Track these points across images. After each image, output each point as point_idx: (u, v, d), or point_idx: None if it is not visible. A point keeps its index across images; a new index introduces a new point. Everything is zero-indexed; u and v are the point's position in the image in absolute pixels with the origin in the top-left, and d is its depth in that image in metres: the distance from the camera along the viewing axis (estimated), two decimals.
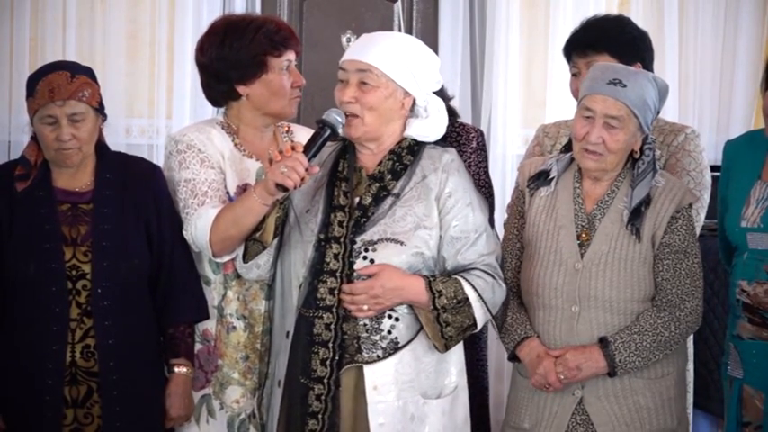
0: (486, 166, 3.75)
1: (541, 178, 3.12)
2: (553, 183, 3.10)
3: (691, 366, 3.48)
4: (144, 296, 3.14)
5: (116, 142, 4.68)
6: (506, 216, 3.51)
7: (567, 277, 3.01)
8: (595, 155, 2.99)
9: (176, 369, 3.14)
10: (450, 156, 2.94)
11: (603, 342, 2.97)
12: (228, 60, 3.17)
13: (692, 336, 3.29)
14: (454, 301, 2.83)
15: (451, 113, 3.70)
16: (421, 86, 2.91)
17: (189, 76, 4.90)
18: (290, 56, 3.21)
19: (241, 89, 3.19)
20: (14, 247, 3.03)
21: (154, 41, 4.97)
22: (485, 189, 3.68)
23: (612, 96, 2.95)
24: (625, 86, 2.95)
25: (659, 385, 3.03)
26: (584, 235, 3.04)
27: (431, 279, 2.84)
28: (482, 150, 3.74)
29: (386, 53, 2.86)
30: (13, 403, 3.04)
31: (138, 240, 3.11)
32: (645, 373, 3.01)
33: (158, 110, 4.98)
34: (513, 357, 3.10)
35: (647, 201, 2.99)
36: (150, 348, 3.16)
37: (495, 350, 5.08)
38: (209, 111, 4.92)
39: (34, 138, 3.11)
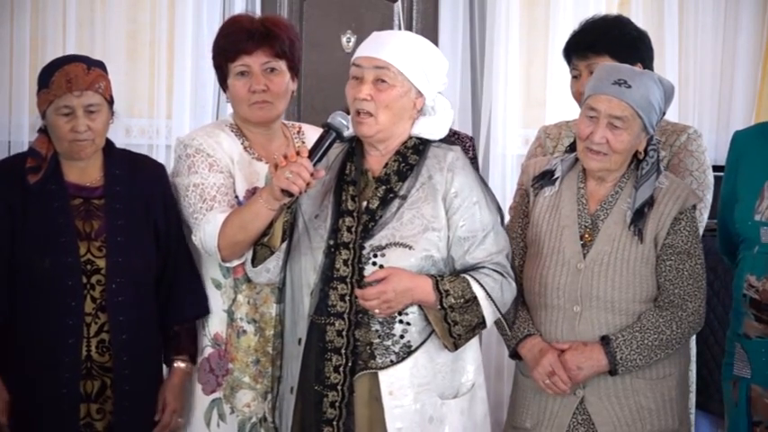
0: (478, 172, 3.80)
1: (546, 178, 3.12)
2: (557, 183, 3.10)
3: (693, 367, 3.47)
4: (151, 292, 3.15)
5: (116, 142, 4.69)
6: (508, 216, 3.52)
7: (570, 277, 3.01)
8: (599, 155, 2.99)
9: (178, 364, 3.16)
10: (454, 154, 2.91)
11: (605, 340, 2.97)
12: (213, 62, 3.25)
13: (694, 336, 3.29)
14: (462, 300, 2.82)
15: None
16: (432, 86, 2.89)
17: (189, 76, 4.91)
18: (248, 60, 3.15)
19: (226, 92, 3.25)
20: (29, 240, 3.03)
21: (154, 41, 4.97)
22: None
23: (617, 97, 2.95)
24: (630, 87, 2.94)
25: (661, 386, 3.03)
26: (586, 235, 3.03)
27: (438, 279, 2.82)
28: (476, 156, 3.79)
29: (402, 51, 2.83)
30: (30, 397, 3.03)
31: (148, 237, 3.12)
32: (646, 374, 3.01)
33: (158, 110, 4.97)
34: (514, 355, 3.10)
35: (650, 202, 2.99)
36: (156, 344, 3.18)
37: (496, 350, 5.09)
38: (209, 111, 4.95)
39: (42, 130, 3.11)
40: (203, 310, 3.18)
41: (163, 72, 4.96)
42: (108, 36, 4.90)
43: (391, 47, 2.84)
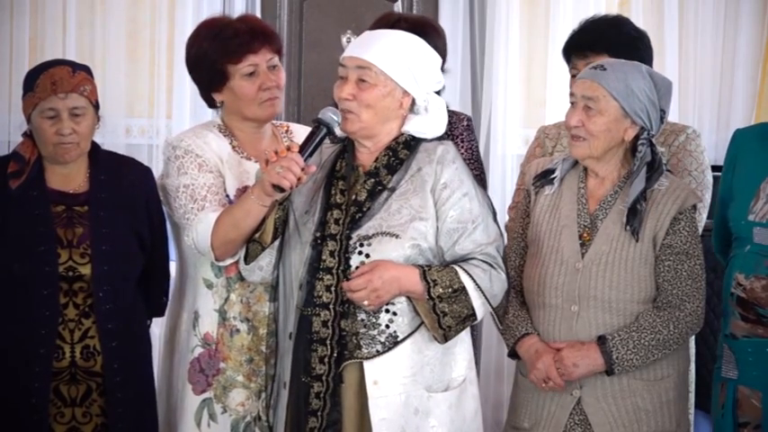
0: (478, 145, 3.82)
1: (546, 177, 3.12)
2: (557, 181, 3.10)
3: (693, 367, 3.47)
4: (136, 295, 3.17)
5: (116, 142, 4.72)
6: (507, 217, 3.52)
7: (568, 277, 3.01)
8: (579, 140, 2.99)
9: None
10: (445, 147, 2.91)
11: (601, 339, 2.97)
12: (196, 69, 3.21)
13: (693, 337, 3.28)
14: (450, 290, 2.81)
15: None
16: (421, 86, 2.88)
17: (189, 76, 4.90)
18: (255, 59, 3.14)
19: (215, 96, 3.21)
20: (7, 246, 3.01)
21: (154, 41, 4.99)
22: (476, 164, 3.73)
23: (590, 78, 2.98)
24: (605, 70, 2.97)
25: (658, 387, 3.03)
26: (585, 235, 3.03)
27: (425, 269, 2.81)
28: (472, 130, 3.80)
29: (386, 51, 2.84)
30: (2, 404, 3.02)
31: (133, 243, 3.12)
32: (644, 375, 3.01)
33: (158, 110, 4.99)
34: (513, 354, 3.10)
35: (643, 197, 2.97)
36: (145, 346, 3.20)
37: (496, 350, 5.09)
38: (209, 110, 4.92)
39: (27, 134, 3.10)
40: (159, 312, 3.30)
41: (163, 72, 4.97)
42: (108, 36, 4.91)
43: (376, 47, 2.85)
